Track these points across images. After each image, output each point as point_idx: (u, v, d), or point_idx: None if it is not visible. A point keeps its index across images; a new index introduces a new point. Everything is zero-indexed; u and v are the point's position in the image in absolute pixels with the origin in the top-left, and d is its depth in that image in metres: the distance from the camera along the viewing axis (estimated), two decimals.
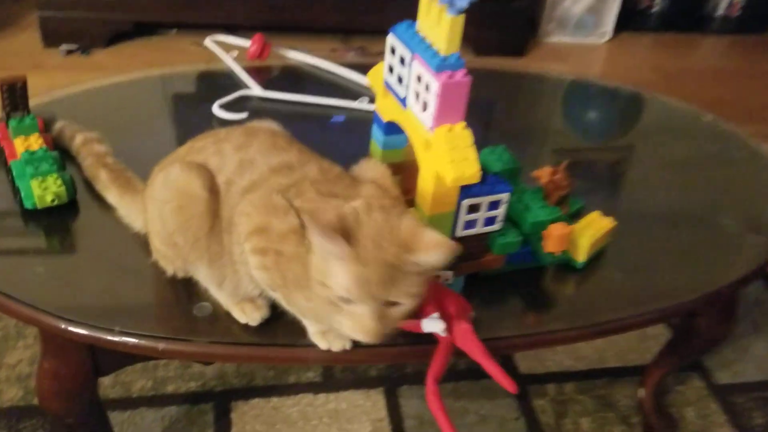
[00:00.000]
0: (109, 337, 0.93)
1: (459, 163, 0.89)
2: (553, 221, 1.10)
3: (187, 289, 1.00)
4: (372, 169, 0.95)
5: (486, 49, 2.89)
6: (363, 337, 0.82)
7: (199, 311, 0.98)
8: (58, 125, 1.24)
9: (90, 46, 2.66)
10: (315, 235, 0.79)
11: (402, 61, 0.96)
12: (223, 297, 0.98)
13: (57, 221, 1.09)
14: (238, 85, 1.50)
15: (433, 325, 0.92)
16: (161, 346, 0.93)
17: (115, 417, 1.43)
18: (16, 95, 1.16)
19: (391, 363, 1.54)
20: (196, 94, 1.51)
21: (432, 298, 0.94)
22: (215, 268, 0.94)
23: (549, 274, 1.11)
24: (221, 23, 2.77)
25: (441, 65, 0.87)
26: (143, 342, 0.93)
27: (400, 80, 0.97)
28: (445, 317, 0.93)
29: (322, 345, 0.93)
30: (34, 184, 1.07)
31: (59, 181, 1.08)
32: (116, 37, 2.70)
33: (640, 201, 1.30)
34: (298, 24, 2.79)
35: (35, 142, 1.14)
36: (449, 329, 0.91)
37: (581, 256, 1.10)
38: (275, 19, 2.77)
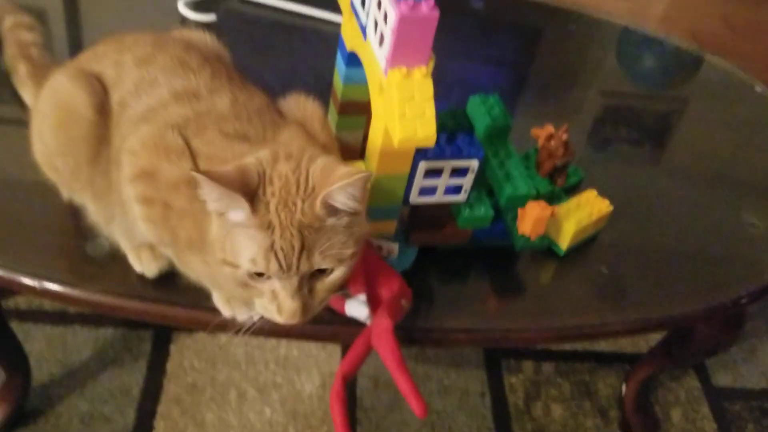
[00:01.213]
0: None
1: (411, 119, 0.70)
2: (536, 196, 0.91)
3: (85, 219, 0.85)
4: (300, 106, 0.77)
5: None
6: (284, 320, 0.67)
7: (92, 249, 0.84)
8: None
9: None
10: (209, 194, 0.62)
11: None
12: (118, 236, 0.82)
13: None
14: None
15: (355, 308, 0.76)
16: (38, 286, 0.79)
17: (46, 330, 1.32)
18: None
19: (303, 340, 1.38)
20: None
21: (363, 275, 0.77)
22: (102, 204, 0.79)
23: (523, 259, 0.93)
24: None
25: None
26: (18, 278, 0.79)
27: (363, 3, 0.77)
28: (375, 301, 0.77)
29: (226, 312, 0.78)
30: None
31: None
32: None
33: (652, 184, 1.09)
34: None
35: None
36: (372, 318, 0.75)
37: (564, 242, 0.91)
38: None
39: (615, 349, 1.50)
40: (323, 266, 0.66)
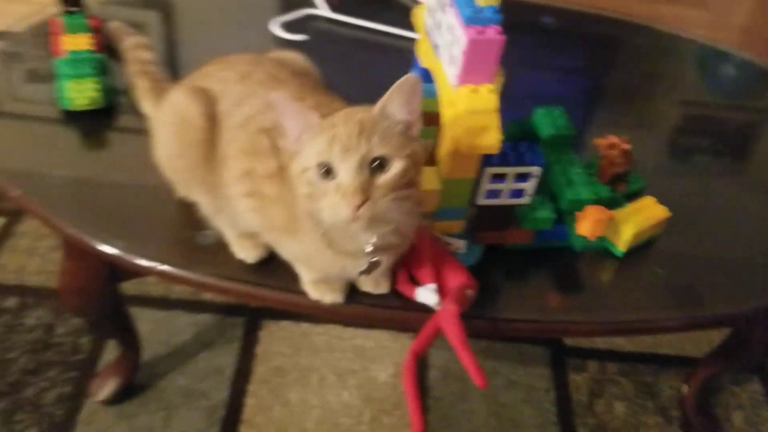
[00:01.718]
0: (111, 251, 0.94)
1: (478, 129, 0.80)
2: (597, 201, 0.99)
3: (195, 214, 0.98)
4: None
5: None
6: (347, 202, 0.72)
7: (201, 239, 0.97)
8: (113, 25, 1.23)
9: None
10: (285, 113, 0.75)
11: (441, 5, 0.86)
12: (224, 227, 0.96)
13: (89, 125, 1.09)
14: (306, 1, 1.43)
15: (426, 295, 0.86)
16: (158, 268, 0.93)
17: (153, 314, 1.48)
18: None
19: (382, 327, 1.50)
20: (261, 6, 1.45)
21: (433, 267, 0.88)
22: (212, 198, 0.92)
23: (583, 259, 1.01)
24: None
25: (472, 17, 0.78)
26: (142, 262, 0.93)
27: (437, 26, 0.88)
28: (443, 290, 0.87)
29: (314, 295, 0.90)
30: (71, 85, 1.07)
31: (97, 86, 1.08)
32: None
33: (717, 193, 1.15)
34: None
35: (83, 42, 1.14)
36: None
37: (622, 244, 0.99)
38: None
39: (677, 352, 1.54)
40: (382, 152, 0.73)
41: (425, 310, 0.88)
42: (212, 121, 0.89)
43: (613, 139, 1.04)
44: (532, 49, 1.42)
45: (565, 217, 1.00)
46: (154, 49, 1.19)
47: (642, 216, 0.99)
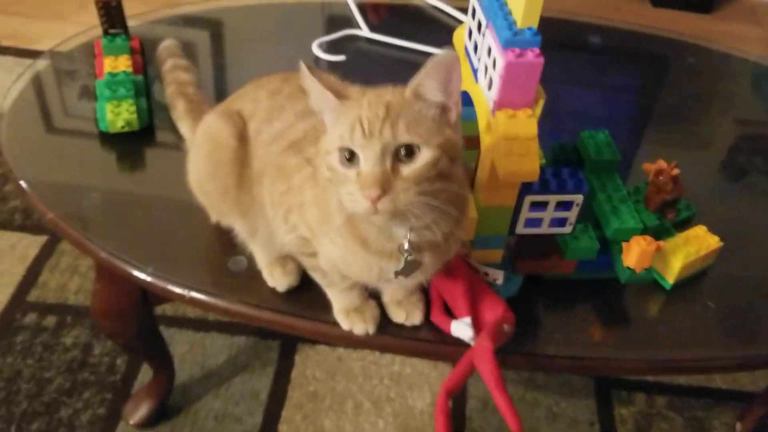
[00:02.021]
0: (142, 276, 0.93)
1: (516, 156, 0.76)
2: (644, 231, 0.94)
3: (228, 239, 0.97)
4: None
5: (666, 0, 2.57)
6: (365, 194, 0.66)
7: (233, 265, 0.95)
8: (161, 46, 1.23)
9: None
10: (308, 84, 0.70)
11: (479, 27, 0.83)
12: (257, 251, 0.94)
13: (128, 146, 1.09)
14: (348, 21, 1.41)
15: (460, 329, 0.83)
16: (188, 295, 0.91)
17: (189, 336, 1.47)
18: (112, 13, 1.15)
19: (412, 356, 1.43)
20: (303, 26, 1.44)
21: (469, 299, 0.84)
22: (247, 219, 0.91)
23: (629, 291, 0.96)
24: None
25: (510, 40, 0.74)
26: (171, 287, 0.92)
27: (475, 48, 0.85)
28: (479, 324, 0.83)
29: (345, 325, 0.87)
30: (109, 107, 1.07)
31: (133, 108, 1.07)
32: None
33: None
34: None
35: (122, 63, 1.14)
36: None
37: (671, 276, 0.93)
38: None
39: (732, 387, 1.46)
40: (408, 139, 0.66)
41: (460, 343, 0.84)
42: (243, 140, 0.87)
43: (661, 164, 0.99)
44: (579, 69, 1.38)
45: (610, 247, 0.95)
46: (192, 70, 1.19)
47: (692, 246, 0.94)
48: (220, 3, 1.50)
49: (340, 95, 0.70)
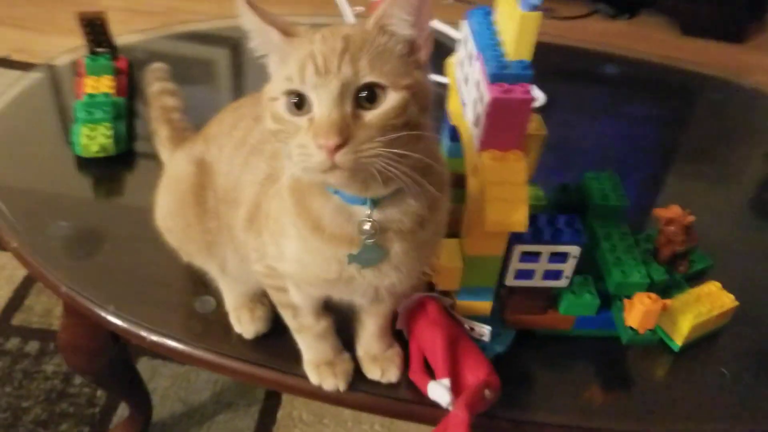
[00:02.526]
0: (102, 314, 0.86)
1: (503, 203, 0.68)
2: (651, 286, 0.85)
3: (200, 278, 0.90)
4: None
5: (696, 29, 2.47)
6: (318, 149, 0.54)
7: (200, 306, 0.88)
8: (149, 69, 1.17)
9: None
10: (247, 22, 0.59)
11: (470, 57, 0.75)
12: (226, 291, 0.88)
13: (102, 174, 1.03)
14: None
15: (437, 392, 0.74)
16: (149, 338, 0.84)
17: (172, 369, 1.40)
18: (97, 31, 1.10)
19: (385, 416, 1.31)
20: None
21: (451, 357, 0.76)
22: (213, 253, 0.84)
23: (632, 351, 0.86)
24: None
25: (498, 74, 0.66)
26: (132, 329, 0.85)
27: (466, 81, 0.77)
28: (459, 386, 0.75)
29: (314, 379, 0.80)
30: (84, 130, 1.02)
31: (110, 132, 1.01)
32: None
33: None
34: None
35: (104, 84, 1.08)
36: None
37: (679, 337, 0.84)
38: None
39: None
40: (372, 78, 0.55)
41: (439, 405, 0.76)
42: (203, 166, 0.82)
43: (674, 210, 0.90)
44: (592, 102, 1.29)
45: (611, 302, 0.86)
46: (180, 95, 1.13)
47: (704, 305, 0.85)
48: (237, 21, 1.45)
49: (287, 33, 0.59)
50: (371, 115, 0.55)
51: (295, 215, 0.65)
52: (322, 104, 0.55)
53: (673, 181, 1.15)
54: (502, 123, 0.67)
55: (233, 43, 1.36)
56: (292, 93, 0.56)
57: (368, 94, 0.55)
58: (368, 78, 0.55)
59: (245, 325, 0.84)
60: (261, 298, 0.86)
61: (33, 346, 1.42)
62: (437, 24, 1.40)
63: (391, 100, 0.56)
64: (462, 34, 0.78)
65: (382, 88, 0.56)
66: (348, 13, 1.40)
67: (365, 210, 0.62)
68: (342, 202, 0.63)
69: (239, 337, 0.84)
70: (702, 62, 1.42)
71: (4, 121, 1.10)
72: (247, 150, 0.76)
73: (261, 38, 0.60)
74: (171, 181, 0.85)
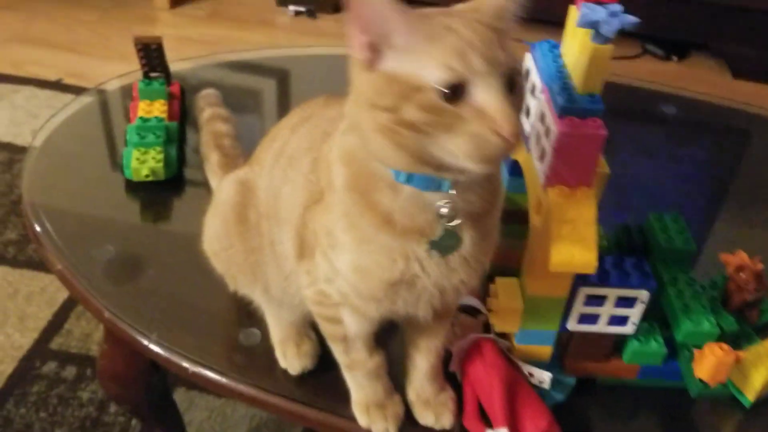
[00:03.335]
0: (144, 342, 0.84)
1: (569, 243, 0.65)
2: (721, 336, 0.80)
3: (246, 309, 0.87)
4: None
5: (746, 71, 2.42)
6: (507, 131, 0.53)
7: (245, 338, 0.85)
8: (201, 93, 1.17)
9: (318, 9, 2.65)
10: (364, 14, 0.54)
11: (533, 89, 0.72)
12: (272, 322, 0.85)
13: (151, 198, 1.02)
14: None
15: None
16: (191, 369, 0.82)
17: (209, 401, 1.37)
18: (152, 56, 1.10)
19: None
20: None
21: (509, 404, 0.71)
22: (258, 272, 0.81)
23: (701, 405, 0.81)
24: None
25: (567, 107, 0.63)
26: (174, 359, 0.82)
27: (528, 113, 0.74)
28: None
29: (362, 421, 0.76)
30: (135, 154, 1.00)
31: (160, 156, 1.00)
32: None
33: None
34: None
35: (157, 108, 1.08)
36: None
37: (751, 393, 0.79)
38: None
39: None
40: (516, 64, 0.56)
41: None
42: (247, 185, 0.80)
43: (742, 257, 0.85)
44: (649, 141, 1.25)
45: (679, 352, 0.81)
46: (232, 121, 1.12)
47: None
48: (286, 51, 1.46)
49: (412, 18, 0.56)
50: (515, 99, 0.55)
51: (358, 215, 0.62)
52: (494, 93, 0.53)
53: (734, 226, 1.10)
54: (571, 158, 0.64)
55: (281, 74, 1.36)
56: (451, 83, 0.53)
57: (512, 81, 0.55)
58: (515, 65, 0.56)
59: (291, 360, 0.81)
60: (308, 332, 0.83)
61: (70, 371, 1.41)
62: None
63: (521, 85, 0.57)
64: (525, 65, 0.75)
65: (519, 74, 0.56)
66: None
67: (439, 195, 0.60)
68: (416, 191, 0.60)
69: (284, 372, 0.81)
70: (756, 105, 1.37)
71: (55, 143, 1.10)
72: (285, 161, 0.74)
73: (379, 19, 0.55)
74: (217, 203, 0.83)
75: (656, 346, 0.78)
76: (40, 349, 1.45)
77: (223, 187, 0.84)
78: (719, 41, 2.48)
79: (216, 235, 0.83)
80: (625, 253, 0.78)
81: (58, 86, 2.15)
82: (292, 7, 2.64)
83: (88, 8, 2.54)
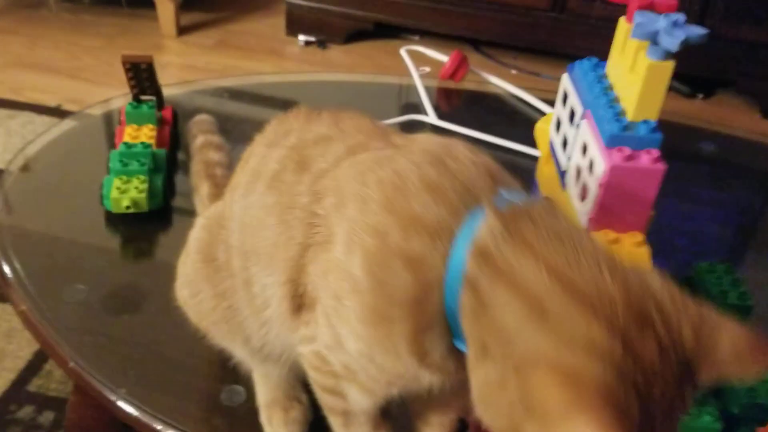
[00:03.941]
0: (112, 398, 0.73)
1: None
2: None
3: (230, 364, 0.76)
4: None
5: None
6: None
7: (227, 397, 0.74)
8: (195, 119, 1.07)
9: (328, 40, 2.58)
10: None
11: (572, 116, 0.61)
12: (258, 380, 0.74)
13: (131, 233, 0.92)
14: (416, 106, 1.23)
15: None
16: (162, 430, 0.70)
17: None
18: (142, 77, 1.01)
19: None
20: (379, 107, 1.26)
21: None
22: (232, 323, 0.68)
23: None
24: (468, 36, 2.54)
25: (618, 136, 0.52)
26: (144, 419, 0.71)
27: (565, 144, 0.63)
28: None
29: None
30: (116, 182, 0.90)
31: (144, 186, 0.90)
32: (356, 34, 2.59)
33: None
34: (554, 46, 2.46)
35: (144, 134, 0.98)
36: None
37: None
38: (525, 37, 2.47)
39: None
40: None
41: None
42: (215, 221, 0.70)
43: None
44: (690, 180, 1.14)
45: (736, 428, 0.69)
46: (225, 149, 1.02)
47: None
48: (293, 77, 1.38)
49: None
50: None
51: (388, 329, 0.50)
52: None
53: None
54: (622, 197, 0.53)
55: (283, 101, 1.27)
56: None
57: None
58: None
59: (277, 427, 0.69)
60: (298, 394, 0.72)
61: (47, 417, 1.29)
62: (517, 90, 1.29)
63: None
64: (560, 88, 0.65)
65: None
66: (415, 75, 1.29)
67: None
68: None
69: None
70: None
71: (33, 169, 1.01)
72: (264, 184, 0.62)
73: None
74: (186, 243, 0.73)
75: (709, 420, 0.66)
76: (17, 392, 1.33)
77: (195, 224, 0.74)
78: (748, 79, 2.38)
79: (184, 281, 0.72)
80: None
81: (56, 112, 2.08)
82: (302, 37, 2.57)
83: (93, 35, 2.48)
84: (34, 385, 1.34)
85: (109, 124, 1.12)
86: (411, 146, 0.57)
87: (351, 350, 0.53)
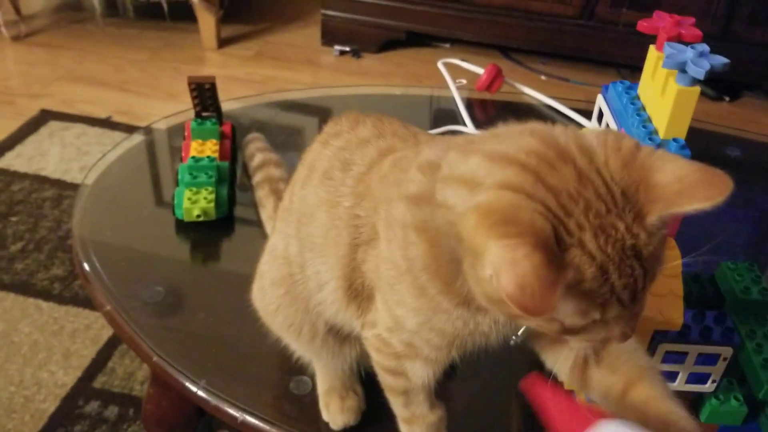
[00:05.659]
0: (193, 389, 0.81)
1: (654, 298, 0.60)
2: None
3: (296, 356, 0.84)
4: None
5: None
6: (617, 342, 0.54)
7: (296, 386, 0.82)
8: (248, 138, 1.16)
9: (362, 50, 2.66)
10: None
11: None
12: (318, 369, 0.82)
13: (201, 239, 1.00)
14: (454, 117, 1.30)
15: None
16: (240, 418, 0.78)
17: None
18: (205, 96, 1.09)
19: None
20: (408, 119, 1.34)
21: None
22: (292, 311, 0.76)
23: None
24: (498, 44, 2.61)
25: None
26: (223, 407, 0.79)
27: None
28: None
29: None
30: (187, 194, 0.99)
31: (211, 196, 0.99)
32: (389, 43, 2.67)
33: None
34: (582, 53, 2.51)
35: (209, 148, 1.07)
36: None
37: None
38: (554, 44, 2.52)
39: None
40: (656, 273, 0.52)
41: None
42: None
43: None
44: None
45: (761, 412, 0.75)
46: (283, 164, 1.10)
47: None
48: (329, 91, 1.45)
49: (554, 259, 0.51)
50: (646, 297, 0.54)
51: (435, 292, 0.58)
52: (623, 322, 0.53)
53: None
54: None
55: (326, 113, 1.35)
56: None
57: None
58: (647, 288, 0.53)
59: (333, 414, 0.77)
60: (354, 385, 0.79)
61: (112, 411, 1.39)
62: (551, 101, 1.35)
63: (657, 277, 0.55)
64: (595, 107, 0.72)
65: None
66: (452, 87, 1.36)
67: None
68: None
69: (327, 425, 0.77)
70: None
71: (106, 181, 1.09)
72: (318, 179, 0.69)
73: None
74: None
75: (736, 405, 0.73)
76: (83, 388, 1.43)
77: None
78: None
79: (261, 288, 0.80)
80: (695, 305, 0.74)
81: (107, 124, 2.18)
82: (337, 47, 2.66)
83: (138, 48, 2.58)
84: (98, 382, 1.44)
85: (171, 139, 1.20)
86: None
87: (411, 326, 0.61)
